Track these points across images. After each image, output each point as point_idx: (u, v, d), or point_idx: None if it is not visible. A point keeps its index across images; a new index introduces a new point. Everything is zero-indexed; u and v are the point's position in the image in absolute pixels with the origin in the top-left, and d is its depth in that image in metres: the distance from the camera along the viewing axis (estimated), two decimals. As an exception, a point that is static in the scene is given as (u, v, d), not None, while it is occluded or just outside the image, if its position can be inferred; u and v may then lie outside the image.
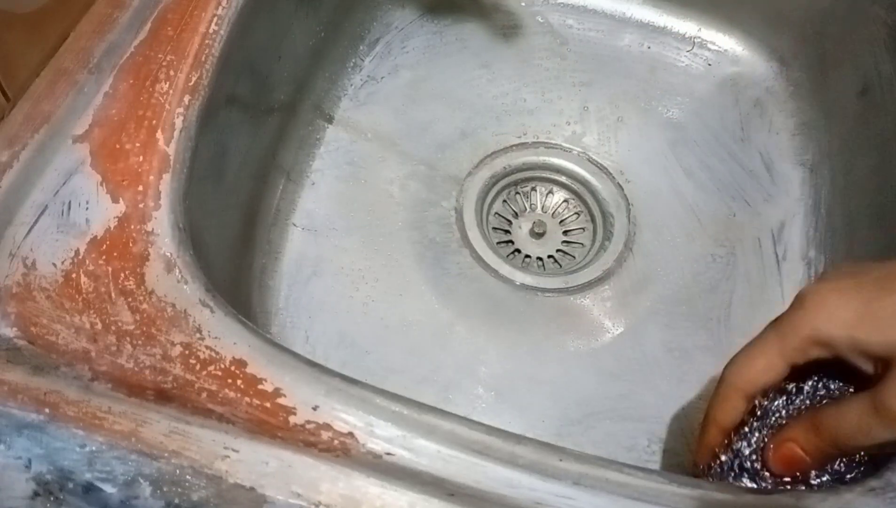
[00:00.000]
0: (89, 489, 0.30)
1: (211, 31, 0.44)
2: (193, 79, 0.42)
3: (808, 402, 0.36)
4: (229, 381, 0.33)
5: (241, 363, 0.34)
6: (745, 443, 0.36)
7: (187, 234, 0.38)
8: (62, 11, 0.42)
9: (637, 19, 0.68)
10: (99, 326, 0.35)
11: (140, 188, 0.38)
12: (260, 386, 0.33)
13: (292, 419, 0.32)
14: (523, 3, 0.68)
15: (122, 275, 0.36)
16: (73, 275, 0.36)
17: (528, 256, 0.59)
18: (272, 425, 0.32)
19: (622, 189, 0.60)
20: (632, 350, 0.53)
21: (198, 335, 0.35)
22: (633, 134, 0.63)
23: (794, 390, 0.37)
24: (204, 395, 0.33)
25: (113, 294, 0.36)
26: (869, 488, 0.33)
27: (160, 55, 0.43)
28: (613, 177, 0.61)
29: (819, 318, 0.34)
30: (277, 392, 0.33)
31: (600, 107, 0.64)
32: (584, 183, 0.61)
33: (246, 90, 0.49)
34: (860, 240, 0.53)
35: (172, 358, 0.34)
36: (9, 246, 0.37)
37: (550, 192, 0.62)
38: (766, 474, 0.36)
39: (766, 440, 0.36)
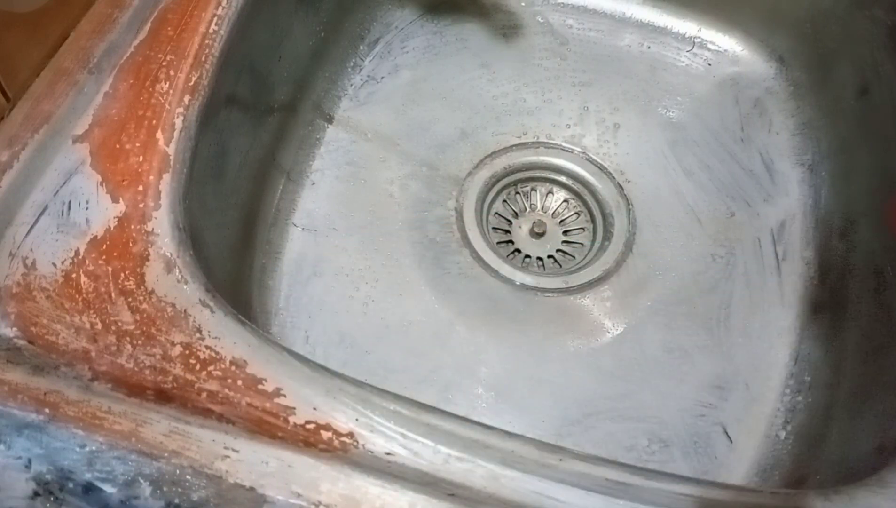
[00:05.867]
0: (89, 489, 0.30)
1: (211, 31, 0.44)
2: (193, 79, 0.42)
3: None
4: (229, 381, 0.33)
5: (241, 363, 0.34)
6: None
7: (187, 234, 0.38)
8: (62, 11, 0.42)
9: (637, 19, 0.68)
10: (99, 326, 0.35)
11: (140, 188, 0.38)
12: (260, 386, 0.33)
13: (292, 419, 0.32)
14: (523, 3, 0.68)
15: (122, 275, 0.36)
16: (73, 275, 0.36)
17: (528, 256, 0.59)
18: (272, 425, 0.32)
19: (622, 189, 0.60)
20: (632, 350, 0.53)
21: (198, 335, 0.35)
22: (633, 134, 0.63)
23: None
24: (204, 395, 0.33)
25: (113, 294, 0.36)
26: (869, 487, 0.33)
27: (160, 55, 0.43)
28: (613, 177, 0.61)
29: None
30: (277, 392, 0.33)
31: (600, 107, 0.64)
32: (584, 183, 0.61)
33: (246, 90, 0.49)
34: (860, 240, 0.53)
35: (172, 358, 0.34)
36: (9, 246, 0.37)
37: (550, 192, 0.62)
38: None
39: None
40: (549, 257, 0.59)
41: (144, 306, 0.35)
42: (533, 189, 0.62)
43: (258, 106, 0.52)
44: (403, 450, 0.32)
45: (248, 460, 0.31)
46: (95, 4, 0.44)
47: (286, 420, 0.32)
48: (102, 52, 0.42)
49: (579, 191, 0.61)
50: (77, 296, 0.35)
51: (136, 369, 0.34)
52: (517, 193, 0.62)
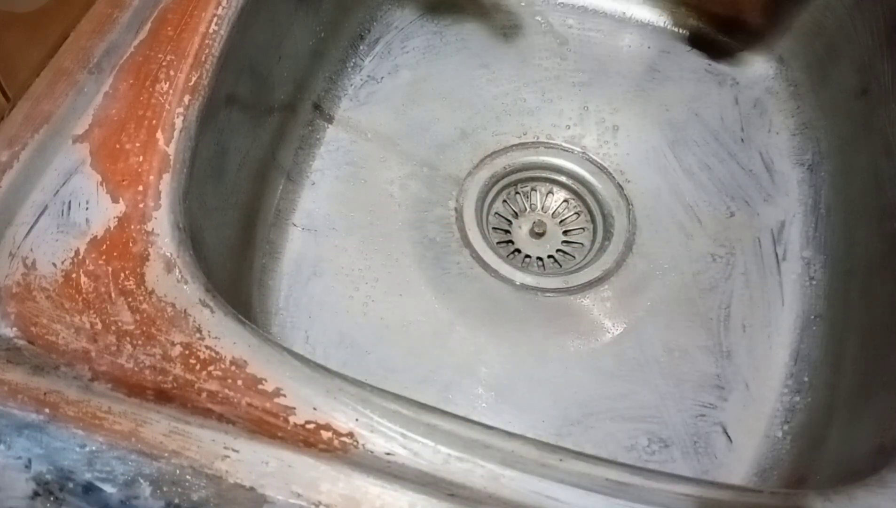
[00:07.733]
0: (89, 489, 0.30)
1: (211, 31, 0.44)
2: (193, 79, 0.42)
3: None
4: (229, 381, 0.33)
5: (241, 363, 0.34)
6: None
7: (187, 234, 0.38)
8: (62, 11, 0.42)
9: (637, 19, 0.68)
10: (99, 326, 0.35)
11: (140, 188, 0.39)
12: (260, 386, 0.33)
13: (292, 419, 0.32)
14: (523, 3, 0.68)
15: (122, 275, 0.36)
16: (73, 275, 0.36)
17: (528, 256, 0.59)
18: (272, 425, 0.32)
19: (622, 189, 0.60)
20: (632, 350, 0.53)
21: (198, 335, 0.35)
22: (633, 134, 0.63)
23: None
24: (204, 395, 0.33)
25: (113, 294, 0.36)
26: (869, 487, 0.33)
27: (160, 55, 0.43)
28: (613, 177, 0.61)
29: None
30: (277, 392, 0.33)
31: (600, 107, 0.64)
32: (583, 183, 0.61)
33: (246, 90, 0.49)
34: (860, 240, 0.53)
35: (172, 358, 0.34)
36: (9, 246, 0.37)
37: (550, 192, 0.62)
38: None
39: None
40: (549, 257, 0.59)
41: (144, 306, 0.35)
42: (533, 189, 0.62)
43: (258, 106, 0.52)
44: (403, 450, 0.32)
45: (248, 460, 0.31)
46: (95, 4, 0.44)
47: (286, 420, 0.32)
48: (102, 52, 0.42)
49: (579, 191, 0.61)
50: (77, 296, 0.35)
51: (136, 369, 0.34)
52: (517, 193, 0.62)
